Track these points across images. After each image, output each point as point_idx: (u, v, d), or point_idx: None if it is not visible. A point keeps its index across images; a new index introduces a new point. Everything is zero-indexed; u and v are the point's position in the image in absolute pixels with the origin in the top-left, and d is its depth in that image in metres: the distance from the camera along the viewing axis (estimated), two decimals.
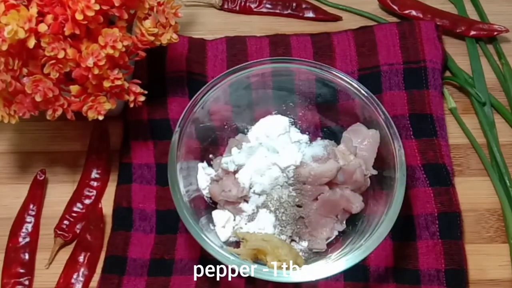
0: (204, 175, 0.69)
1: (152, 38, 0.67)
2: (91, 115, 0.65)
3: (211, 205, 0.69)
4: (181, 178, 0.65)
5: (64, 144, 0.76)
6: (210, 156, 0.71)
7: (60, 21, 0.61)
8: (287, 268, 0.62)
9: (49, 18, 0.61)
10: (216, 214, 0.68)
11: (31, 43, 0.60)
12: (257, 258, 0.63)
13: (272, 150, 0.67)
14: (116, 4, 0.63)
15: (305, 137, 0.72)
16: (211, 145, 0.72)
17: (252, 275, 0.60)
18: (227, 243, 0.67)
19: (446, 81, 0.79)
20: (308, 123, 0.74)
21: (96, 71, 0.62)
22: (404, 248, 0.69)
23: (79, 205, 0.72)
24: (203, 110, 0.68)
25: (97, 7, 0.60)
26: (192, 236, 0.62)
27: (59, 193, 0.73)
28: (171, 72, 0.77)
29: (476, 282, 0.68)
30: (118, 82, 0.64)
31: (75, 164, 0.75)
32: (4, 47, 0.59)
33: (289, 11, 0.85)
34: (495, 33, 0.82)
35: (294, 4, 0.85)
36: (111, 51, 0.62)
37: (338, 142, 0.70)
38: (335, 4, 0.86)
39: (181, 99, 0.76)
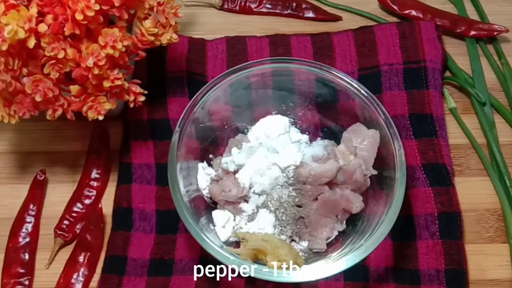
0: (204, 175, 0.69)
1: (152, 38, 0.67)
2: (91, 115, 0.65)
3: (211, 205, 0.69)
4: (181, 178, 0.65)
5: (64, 144, 0.76)
6: (210, 156, 0.71)
7: (60, 21, 0.61)
8: (287, 268, 0.62)
9: (49, 18, 0.61)
10: (216, 214, 0.68)
11: (31, 43, 0.60)
12: (257, 258, 0.63)
13: (272, 150, 0.67)
14: (116, 4, 0.63)
15: (305, 137, 0.72)
16: (211, 145, 0.72)
17: (252, 275, 0.60)
18: (227, 243, 0.67)
19: (446, 81, 0.79)
20: (308, 123, 0.74)
21: (96, 71, 0.62)
22: (404, 248, 0.69)
23: (79, 205, 0.72)
24: (203, 110, 0.68)
25: (97, 7, 0.60)
26: (192, 236, 0.62)
27: (59, 193, 0.73)
28: (171, 72, 0.77)
29: (476, 282, 0.68)
30: (118, 82, 0.64)
31: (75, 164, 0.75)
32: (4, 47, 0.59)
33: (289, 11, 0.85)
34: (495, 33, 0.82)
35: (294, 4, 0.85)
36: (111, 51, 0.62)
37: (338, 142, 0.70)
38: (335, 4, 0.86)
39: (181, 99, 0.76)
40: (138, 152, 0.74)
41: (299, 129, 0.73)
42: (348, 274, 0.67)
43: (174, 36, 0.68)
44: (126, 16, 0.64)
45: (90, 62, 0.62)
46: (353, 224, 0.67)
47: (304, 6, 0.85)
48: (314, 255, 0.66)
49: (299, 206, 0.66)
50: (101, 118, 0.66)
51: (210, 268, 0.67)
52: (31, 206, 0.71)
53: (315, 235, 0.66)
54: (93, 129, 0.75)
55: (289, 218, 0.65)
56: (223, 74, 0.69)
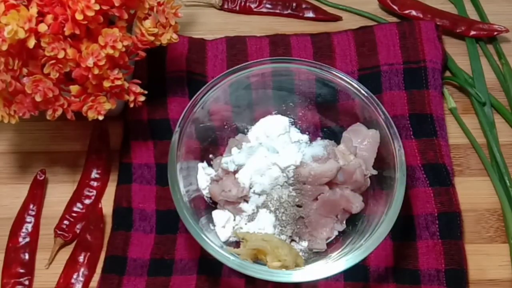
0: (204, 175, 0.69)
1: (152, 38, 0.67)
2: (91, 115, 0.65)
3: (211, 205, 0.69)
4: (181, 178, 0.65)
5: (64, 144, 0.76)
6: (210, 156, 0.71)
7: (60, 21, 0.61)
8: (287, 268, 0.62)
9: (49, 18, 0.61)
10: (216, 214, 0.68)
11: (31, 43, 0.60)
12: (257, 258, 0.63)
13: (272, 150, 0.67)
14: (116, 4, 0.63)
15: (305, 137, 0.72)
16: (211, 145, 0.72)
17: (252, 275, 0.60)
18: (227, 243, 0.67)
19: (446, 81, 0.79)
20: (308, 123, 0.74)
21: (96, 71, 0.62)
22: (404, 248, 0.69)
23: (79, 205, 0.72)
24: (203, 110, 0.68)
25: (97, 7, 0.60)
26: (192, 236, 0.62)
27: (59, 193, 0.73)
28: (171, 72, 0.77)
29: (476, 282, 0.68)
30: (118, 82, 0.64)
31: (75, 164, 0.75)
32: (4, 47, 0.59)
33: (289, 11, 0.85)
34: (495, 33, 0.82)
35: (294, 4, 0.85)
36: (111, 51, 0.62)
37: (338, 142, 0.70)
38: (335, 4, 0.86)
39: (181, 99, 0.76)
40: (138, 152, 0.74)
41: (299, 129, 0.73)
42: (348, 274, 0.67)
43: (174, 36, 0.68)
44: (126, 16, 0.64)
45: (90, 62, 0.62)
46: (353, 224, 0.67)
47: (304, 6, 0.85)
48: (314, 255, 0.66)
49: (299, 206, 0.66)
50: (101, 118, 0.65)
51: (210, 268, 0.67)
52: (31, 206, 0.71)
53: (315, 235, 0.66)
54: (93, 129, 0.75)
55: (289, 218, 0.65)
56: (223, 74, 0.69)
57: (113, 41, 0.62)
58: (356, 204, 0.66)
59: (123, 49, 0.63)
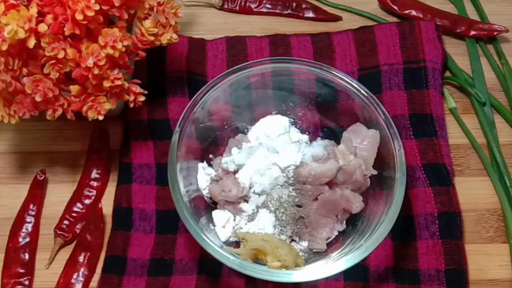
0: (204, 175, 0.69)
1: (152, 38, 0.67)
2: (91, 115, 0.65)
3: (211, 205, 0.69)
4: (181, 178, 0.65)
5: (64, 144, 0.76)
6: (210, 156, 0.71)
7: (60, 21, 0.61)
8: (287, 268, 0.62)
9: (49, 18, 0.61)
10: (216, 214, 0.68)
11: (31, 43, 0.60)
12: (257, 258, 0.63)
13: (272, 150, 0.67)
14: (116, 4, 0.63)
15: (305, 137, 0.72)
16: (211, 145, 0.72)
17: (252, 275, 0.60)
18: (227, 243, 0.67)
19: (446, 81, 0.79)
20: (308, 123, 0.74)
21: (96, 71, 0.62)
22: (404, 248, 0.69)
23: (79, 205, 0.72)
24: (203, 110, 0.68)
25: (97, 7, 0.60)
26: (192, 236, 0.62)
27: (59, 193, 0.73)
28: (171, 72, 0.77)
29: (476, 282, 0.68)
30: (118, 82, 0.64)
31: (75, 164, 0.75)
32: (4, 47, 0.59)
33: (289, 11, 0.85)
34: (495, 33, 0.82)
35: (294, 4, 0.85)
36: (111, 51, 0.62)
37: (338, 142, 0.70)
38: (335, 4, 0.86)
39: (181, 99, 0.76)
40: (138, 152, 0.74)
41: (299, 129, 0.73)
42: (348, 274, 0.67)
43: (174, 36, 0.68)
44: (126, 16, 0.64)
45: (90, 62, 0.62)
46: (353, 224, 0.67)
47: (304, 6, 0.85)
48: (314, 255, 0.66)
49: (299, 206, 0.66)
50: (101, 118, 0.65)
51: (210, 268, 0.67)
52: (31, 206, 0.71)
53: (315, 235, 0.66)
54: (93, 129, 0.75)
55: (289, 218, 0.65)
56: (223, 74, 0.69)
57: (113, 41, 0.62)
58: (356, 204, 0.66)
59: (123, 49, 0.63)
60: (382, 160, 0.67)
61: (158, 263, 0.68)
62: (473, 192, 0.73)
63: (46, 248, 0.70)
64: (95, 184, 0.73)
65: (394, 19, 0.84)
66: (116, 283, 0.67)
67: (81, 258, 0.69)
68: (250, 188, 0.66)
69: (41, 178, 0.73)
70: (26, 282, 0.68)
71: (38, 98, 0.62)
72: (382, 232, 0.61)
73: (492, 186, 0.73)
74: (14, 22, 0.59)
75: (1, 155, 0.75)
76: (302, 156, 0.66)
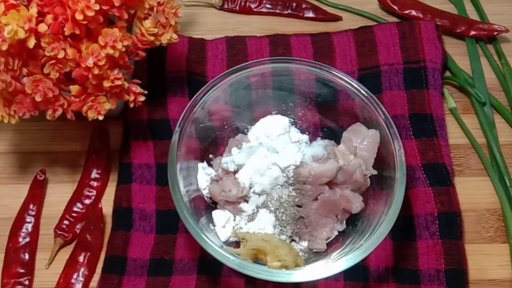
0: (204, 175, 0.69)
1: (152, 38, 0.67)
2: (91, 115, 0.65)
3: (211, 205, 0.69)
4: (181, 178, 0.65)
5: (64, 144, 0.76)
6: (210, 156, 0.71)
7: (60, 21, 0.61)
8: (287, 268, 0.62)
9: (49, 18, 0.61)
10: (216, 214, 0.68)
11: (31, 43, 0.60)
12: (257, 258, 0.63)
13: (272, 150, 0.67)
14: (116, 4, 0.63)
15: (305, 137, 0.72)
16: (211, 145, 0.72)
17: (252, 275, 0.60)
18: (227, 243, 0.67)
19: (446, 81, 0.79)
20: (308, 123, 0.74)
21: (96, 71, 0.62)
22: (404, 248, 0.69)
23: (79, 205, 0.72)
24: (203, 110, 0.68)
25: (97, 7, 0.60)
26: (192, 236, 0.62)
27: (59, 193, 0.73)
28: (171, 72, 0.77)
29: (476, 282, 0.68)
30: (118, 82, 0.64)
31: (75, 164, 0.75)
32: (4, 47, 0.59)
33: (289, 11, 0.85)
34: (495, 33, 0.82)
35: (294, 4, 0.85)
36: (111, 51, 0.62)
37: (338, 142, 0.70)
38: (335, 4, 0.86)
39: (181, 99, 0.76)
40: (138, 152, 0.74)
41: (299, 129, 0.73)
42: (348, 274, 0.67)
43: (174, 36, 0.68)
44: (126, 16, 0.64)
45: (90, 62, 0.62)
46: (353, 224, 0.67)
47: (304, 6, 0.85)
48: (314, 255, 0.66)
49: (299, 206, 0.66)
50: (101, 118, 0.65)
51: (210, 268, 0.67)
52: (31, 206, 0.71)
53: (315, 235, 0.66)
54: (93, 129, 0.75)
55: (289, 218, 0.65)
56: (223, 74, 0.69)
57: (113, 41, 0.62)
58: (356, 204, 0.66)
59: (123, 49, 0.63)
60: (382, 160, 0.67)
61: (158, 263, 0.68)
62: (473, 192, 0.73)
63: (46, 248, 0.70)
64: (95, 184, 0.73)
65: (394, 19, 0.84)
66: (116, 283, 0.67)
67: (81, 258, 0.69)
68: (250, 188, 0.66)
69: (41, 178, 0.73)
70: (26, 282, 0.68)
71: (38, 98, 0.62)
72: (382, 232, 0.61)
73: (492, 186, 0.73)
74: (14, 22, 0.59)
75: (1, 155, 0.75)
76: (302, 156, 0.66)
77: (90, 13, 0.60)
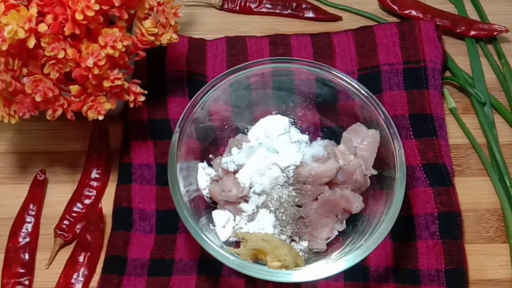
0: (204, 175, 0.69)
1: (152, 38, 0.67)
2: (91, 115, 0.65)
3: (211, 205, 0.69)
4: (181, 178, 0.65)
5: (64, 144, 0.76)
6: (210, 156, 0.71)
7: (60, 21, 0.61)
8: (287, 268, 0.62)
9: (49, 18, 0.61)
10: (216, 214, 0.68)
11: (31, 43, 0.60)
12: (257, 258, 0.63)
13: (272, 150, 0.67)
14: (116, 4, 0.63)
15: (305, 137, 0.72)
16: (211, 145, 0.72)
17: (252, 275, 0.60)
18: (227, 243, 0.67)
19: (446, 81, 0.79)
20: (308, 123, 0.74)
21: (96, 71, 0.62)
22: (404, 248, 0.69)
23: (79, 205, 0.72)
24: (203, 110, 0.68)
25: (97, 7, 0.60)
26: (192, 236, 0.62)
27: (59, 193, 0.73)
28: (171, 72, 0.77)
29: (476, 282, 0.68)
30: (118, 82, 0.64)
31: (75, 164, 0.75)
32: (4, 47, 0.59)
33: (289, 11, 0.85)
34: (495, 33, 0.82)
35: (294, 4, 0.85)
36: (111, 51, 0.62)
37: (338, 142, 0.70)
38: (335, 4, 0.86)
39: (181, 99, 0.76)
40: (138, 152, 0.74)
41: (299, 129, 0.73)
42: (348, 274, 0.67)
43: (174, 36, 0.68)
44: (126, 16, 0.64)
45: (90, 62, 0.62)
46: (353, 224, 0.67)
47: (304, 6, 0.85)
48: (314, 255, 0.66)
49: (299, 206, 0.66)
50: (101, 118, 0.66)
51: (210, 268, 0.67)
52: (31, 206, 0.71)
53: (315, 235, 0.66)
54: (93, 129, 0.75)
55: (289, 218, 0.65)
56: (223, 74, 0.69)
57: (113, 41, 0.62)
58: (356, 204, 0.66)
59: (123, 49, 0.63)
60: (382, 160, 0.67)
61: (158, 263, 0.68)
62: (473, 192, 0.73)
63: (46, 248, 0.70)
64: (95, 184, 0.73)
65: (394, 19, 0.84)
66: (116, 283, 0.67)
67: (81, 258, 0.69)
68: (250, 188, 0.66)
69: (41, 178, 0.73)
70: (26, 282, 0.68)
71: (38, 98, 0.62)
72: (382, 232, 0.61)
73: (492, 186, 0.73)
74: (14, 22, 0.59)
75: (1, 155, 0.75)
76: (302, 156, 0.66)
77: (90, 13, 0.60)
